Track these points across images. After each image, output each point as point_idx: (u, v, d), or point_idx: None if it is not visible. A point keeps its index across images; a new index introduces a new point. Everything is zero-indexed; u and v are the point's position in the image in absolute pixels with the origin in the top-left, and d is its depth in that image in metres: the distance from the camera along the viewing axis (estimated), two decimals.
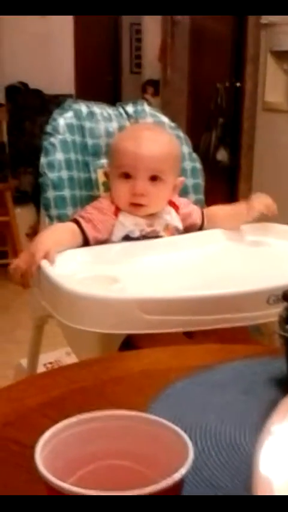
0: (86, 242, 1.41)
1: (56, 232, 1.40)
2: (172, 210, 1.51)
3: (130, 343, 1.23)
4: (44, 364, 2.16)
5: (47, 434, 0.53)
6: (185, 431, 0.54)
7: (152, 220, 1.46)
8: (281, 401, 0.59)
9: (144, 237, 1.45)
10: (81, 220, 1.42)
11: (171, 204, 1.51)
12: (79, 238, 1.40)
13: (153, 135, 1.49)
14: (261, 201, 1.51)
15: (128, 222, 1.44)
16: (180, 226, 1.52)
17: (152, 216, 1.46)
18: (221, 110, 4.30)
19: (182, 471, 0.49)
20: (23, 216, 4.00)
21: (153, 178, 1.42)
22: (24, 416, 0.77)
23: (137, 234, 1.44)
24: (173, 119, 1.74)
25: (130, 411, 0.57)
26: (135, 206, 1.43)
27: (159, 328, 1.12)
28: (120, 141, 1.48)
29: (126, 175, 1.42)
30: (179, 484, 0.50)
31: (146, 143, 1.43)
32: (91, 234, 1.41)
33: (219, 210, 1.60)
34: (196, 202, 1.65)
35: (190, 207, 1.57)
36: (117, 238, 1.43)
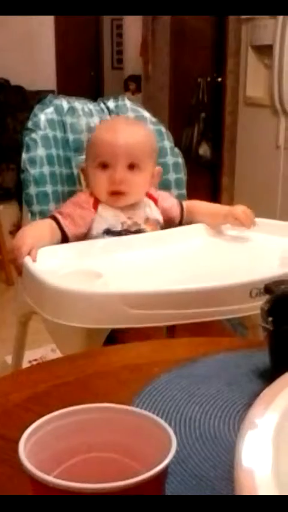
0: (64, 238, 1.40)
1: (37, 229, 1.39)
2: (151, 203, 1.51)
3: (114, 337, 1.23)
4: (29, 361, 2.17)
5: (31, 428, 0.53)
6: (170, 424, 0.55)
7: (131, 213, 1.46)
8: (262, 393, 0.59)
9: (126, 230, 1.45)
10: (59, 216, 1.41)
11: (150, 196, 1.51)
12: (57, 235, 1.40)
13: (129, 125, 1.51)
14: (243, 211, 1.50)
15: (108, 214, 1.44)
16: (161, 218, 1.52)
17: (131, 208, 1.47)
18: (203, 105, 4.31)
19: (165, 462, 0.49)
20: (5, 213, 3.97)
21: (131, 167, 1.43)
22: (8, 411, 0.78)
23: (118, 228, 1.44)
24: (154, 114, 1.75)
25: (114, 404, 0.57)
26: (115, 195, 1.43)
27: (143, 323, 1.12)
28: (97, 133, 1.49)
29: (104, 165, 1.43)
30: (163, 475, 0.50)
31: (122, 133, 1.44)
32: (69, 230, 1.40)
33: (200, 206, 1.61)
34: (178, 197, 1.65)
35: (170, 201, 1.58)
36: (98, 231, 1.43)
